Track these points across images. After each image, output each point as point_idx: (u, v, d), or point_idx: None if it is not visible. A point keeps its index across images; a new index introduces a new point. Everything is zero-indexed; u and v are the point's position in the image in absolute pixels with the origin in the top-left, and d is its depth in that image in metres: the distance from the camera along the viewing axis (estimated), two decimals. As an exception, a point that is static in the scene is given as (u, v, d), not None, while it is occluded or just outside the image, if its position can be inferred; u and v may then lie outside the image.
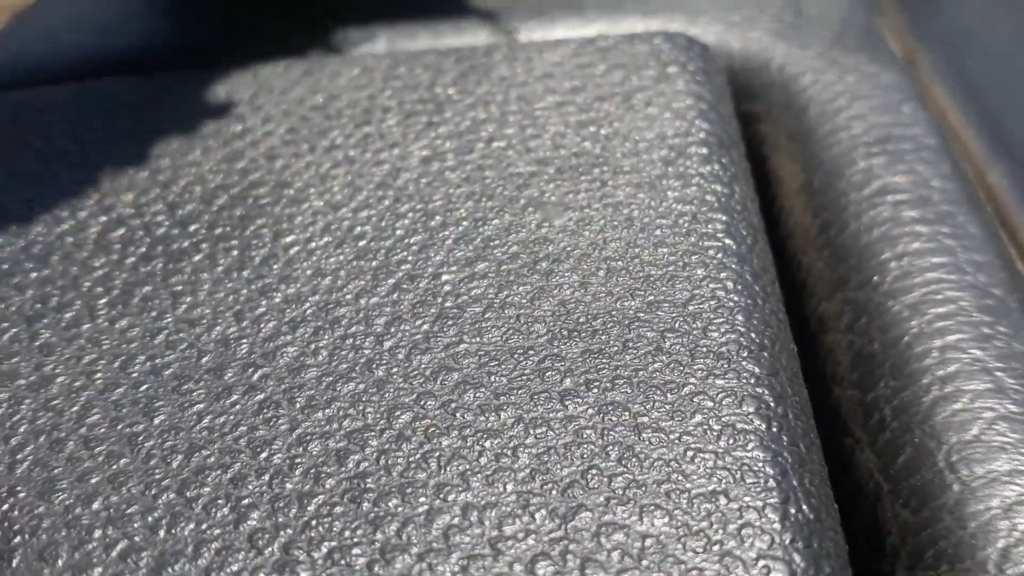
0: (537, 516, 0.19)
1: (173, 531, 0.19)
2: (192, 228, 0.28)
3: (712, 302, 0.23)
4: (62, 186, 0.30)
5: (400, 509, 0.19)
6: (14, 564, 0.19)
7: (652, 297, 0.23)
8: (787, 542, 0.18)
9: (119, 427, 0.22)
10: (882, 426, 0.24)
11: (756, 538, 0.18)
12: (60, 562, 0.19)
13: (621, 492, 0.19)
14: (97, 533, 0.20)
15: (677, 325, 0.23)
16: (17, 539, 0.20)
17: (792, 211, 0.33)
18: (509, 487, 0.19)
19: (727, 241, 0.25)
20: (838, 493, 0.23)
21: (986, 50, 0.40)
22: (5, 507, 0.20)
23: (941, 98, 0.37)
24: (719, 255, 0.25)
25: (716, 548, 0.18)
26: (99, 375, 0.23)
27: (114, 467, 0.21)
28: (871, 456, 0.24)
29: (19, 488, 0.21)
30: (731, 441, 0.20)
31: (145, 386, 0.23)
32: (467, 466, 0.20)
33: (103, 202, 0.29)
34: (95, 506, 0.20)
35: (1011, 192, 0.31)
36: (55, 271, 0.27)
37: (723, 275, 0.24)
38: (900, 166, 0.31)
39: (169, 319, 0.25)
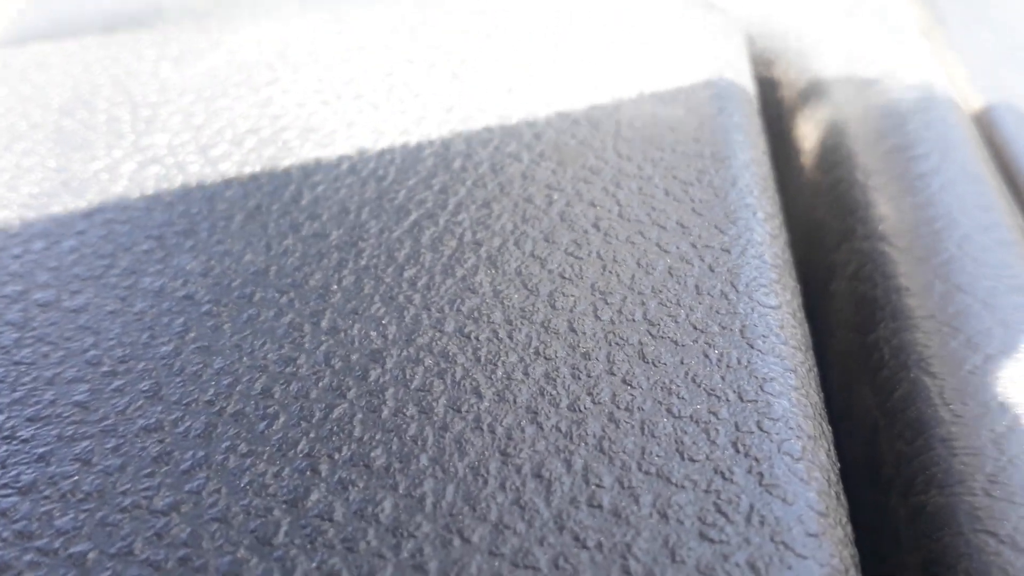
0: (545, 426, 0.20)
1: (202, 436, 0.21)
2: (223, 167, 0.29)
3: (719, 239, 0.24)
4: (98, 126, 0.31)
5: (416, 417, 0.20)
6: (51, 466, 0.21)
7: (662, 237, 0.24)
8: (780, 453, 0.19)
9: (153, 345, 0.23)
10: (880, 364, 0.25)
11: (750, 449, 0.19)
12: (96, 462, 0.21)
13: (624, 408, 0.20)
14: (131, 437, 0.21)
15: (684, 262, 0.24)
16: (57, 443, 0.21)
17: (804, 168, 0.34)
18: (519, 400, 0.20)
19: (737, 188, 0.26)
20: (838, 431, 0.24)
21: (1000, 22, 0.40)
22: (46, 414, 0.22)
23: (954, 66, 0.37)
24: (728, 200, 0.26)
25: (712, 460, 0.19)
26: (134, 300, 0.25)
27: (149, 381, 0.22)
28: (869, 393, 0.25)
29: (59, 400, 0.22)
30: (729, 365, 0.21)
31: (178, 309, 0.24)
32: (479, 382, 0.21)
33: (138, 142, 0.30)
34: (129, 412, 0.21)
35: (1018, 153, 0.32)
36: (91, 205, 0.28)
37: (731, 218, 0.25)
38: (910, 127, 0.32)
39: (202, 249, 0.26)
